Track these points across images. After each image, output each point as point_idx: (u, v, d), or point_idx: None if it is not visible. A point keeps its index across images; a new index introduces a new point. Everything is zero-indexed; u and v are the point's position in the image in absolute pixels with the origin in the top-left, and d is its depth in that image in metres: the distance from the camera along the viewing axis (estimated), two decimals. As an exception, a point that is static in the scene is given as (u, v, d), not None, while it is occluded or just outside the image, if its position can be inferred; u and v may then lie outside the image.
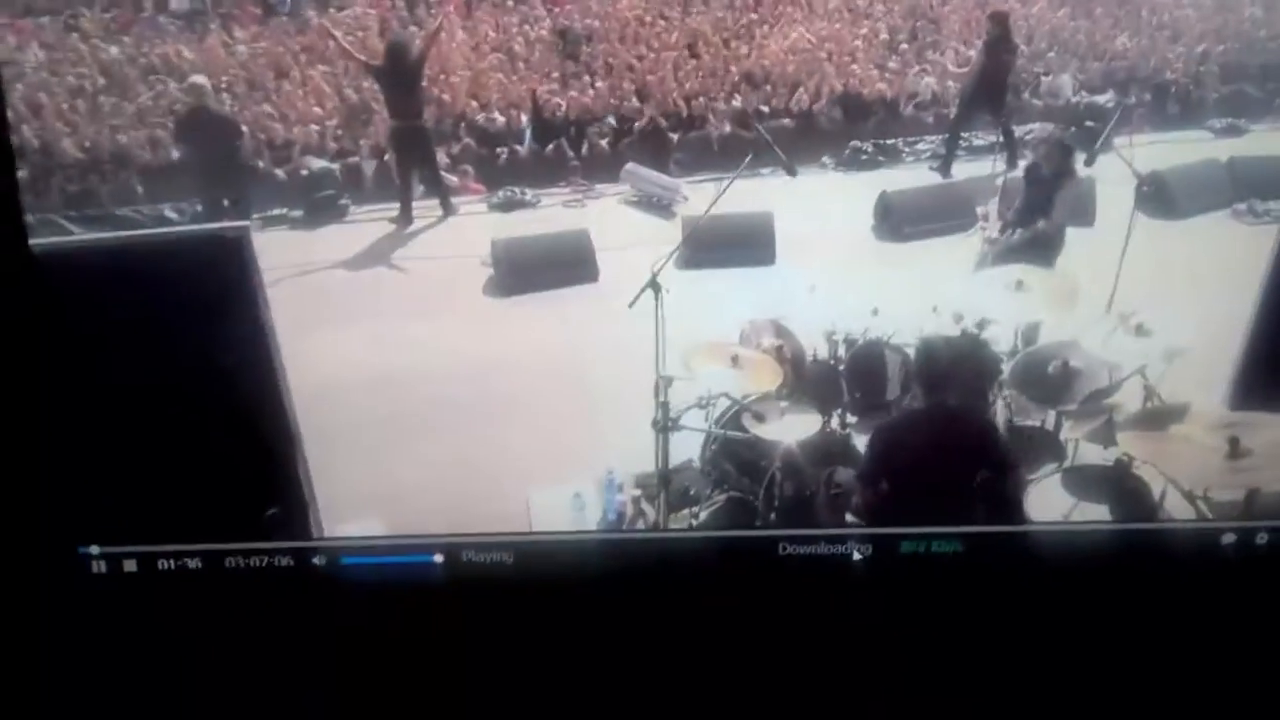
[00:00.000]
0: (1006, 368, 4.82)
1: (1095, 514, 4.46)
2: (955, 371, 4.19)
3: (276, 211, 7.48)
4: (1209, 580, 3.76)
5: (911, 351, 4.88)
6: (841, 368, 4.90)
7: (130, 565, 3.27)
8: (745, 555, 3.62)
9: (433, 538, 3.30)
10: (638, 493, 4.93)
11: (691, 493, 4.81)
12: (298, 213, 7.52)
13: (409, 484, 4.79)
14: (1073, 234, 6.26)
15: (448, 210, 7.28)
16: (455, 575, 3.28)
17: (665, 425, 4.63)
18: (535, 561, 3.35)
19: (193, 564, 3.25)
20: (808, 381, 4.82)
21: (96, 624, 3.29)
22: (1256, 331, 4.42)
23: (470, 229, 7.41)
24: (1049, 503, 4.51)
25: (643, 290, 4.58)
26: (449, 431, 5.32)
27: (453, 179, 8.10)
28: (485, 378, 5.76)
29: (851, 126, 8.89)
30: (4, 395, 3.15)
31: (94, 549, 3.27)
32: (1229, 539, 3.82)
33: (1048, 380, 4.70)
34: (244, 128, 7.62)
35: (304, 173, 7.60)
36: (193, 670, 3.27)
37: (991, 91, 7.67)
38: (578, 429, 5.33)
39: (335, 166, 7.83)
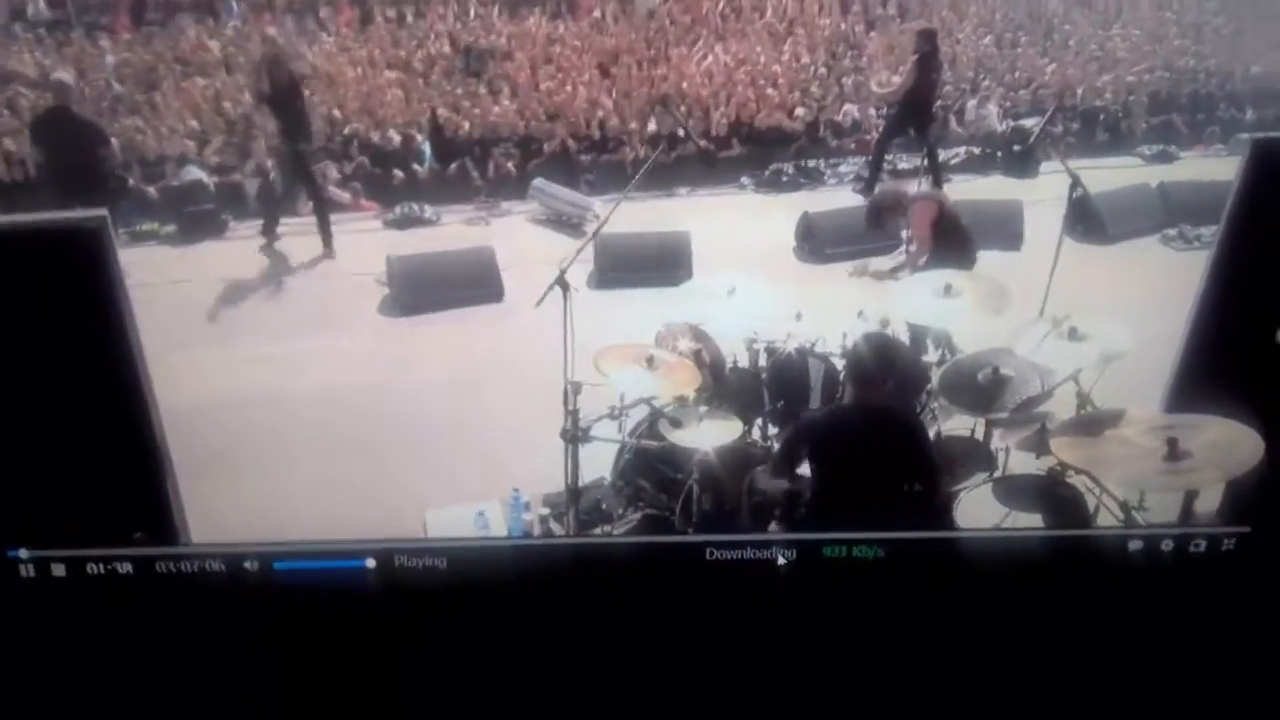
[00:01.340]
0: (935, 376, 4.86)
1: (1028, 524, 4.52)
2: (886, 371, 4.21)
3: (146, 226, 7.31)
4: (1129, 586, 3.89)
5: (836, 360, 4.93)
6: (763, 375, 4.91)
7: (59, 569, 3.30)
8: (674, 560, 3.63)
9: (366, 543, 3.36)
10: (546, 511, 4.85)
11: (604, 508, 4.75)
12: (170, 228, 7.35)
13: (291, 508, 4.65)
14: (1000, 257, 6.45)
15: (328, 246, 7.15)
16: (388, 580, 3.35)
17: (575, 435, 4.56)
18: (469, 567, 3.42)
19: (123, 568, 3.29)
20: (728, 388, 4.81)
21: (27, 629, 3.34)
22: (1193, 335, 4.57)
23: (366, 246, 7.32)
24: (980, 512, 4.55)
25: (550, 288, 4.54)
26: (336, 453, 5.18)
27: (344, 195, 8.03)
28: (378, 398, 5.66)
29: (770, 150, 9.11)
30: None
31: (22, 553, 3.28)
32: (1164, 545, 3.94)
33: (978, 388, 4.74)
34: (110, 136, 7.44)
35: (175, 184, 7.41)
36: (124, 676, 3.34)
37: (917, 110, 7.93)
38: (480, 448, 5.27)
39: (211, 180, 7.67)
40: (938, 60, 8.04)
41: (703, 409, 4.54)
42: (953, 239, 5.58)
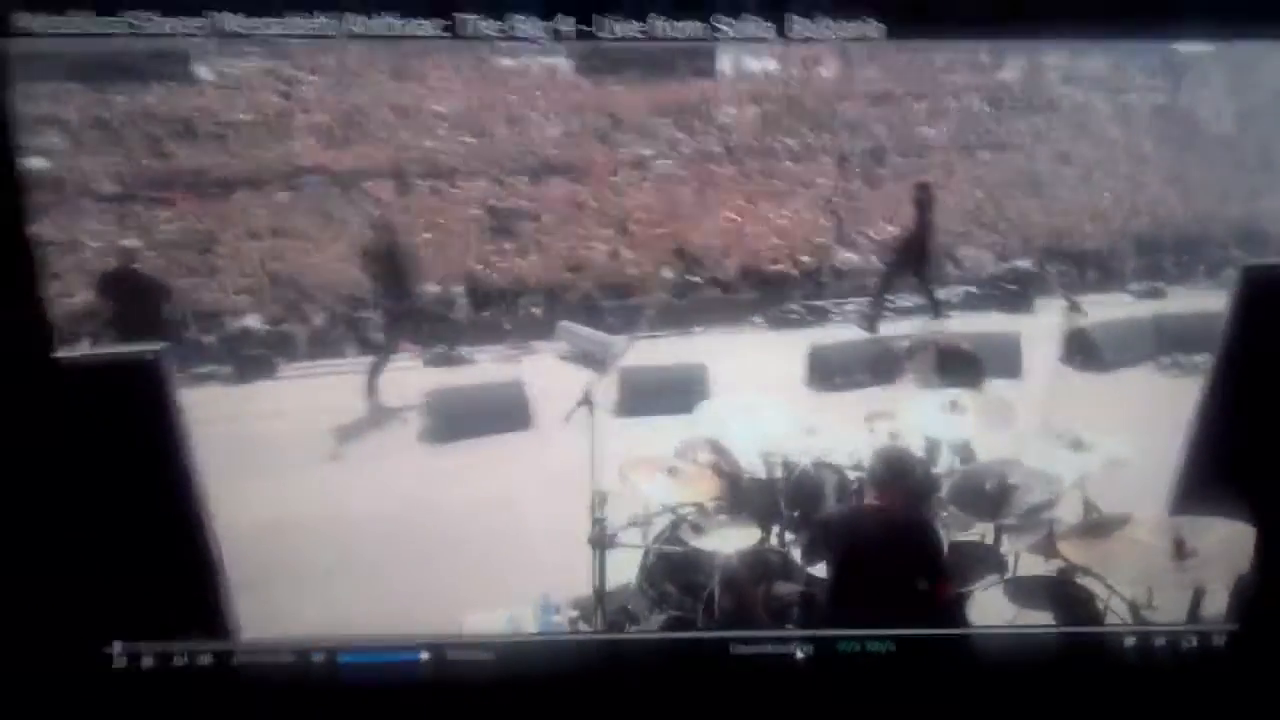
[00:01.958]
0: (945, 485, 4.97)
1: (1039, 622, 4.55)
2: (899, 480, 4.33)
3: (205, 369, 7.63)
4: (1136, 683, 3.99)
5: (848, 471, 5.06)
6: (779, 485, 5.03)
7: (149, 661, 3.62)
8: (701, 655, 3.97)
9: (420, 637, 3.74)
10: (575, 614, 4.91)
11: (630, 610, 4.81)
12: (226, 369, 7.64)
13: (338, 616, 4.73)
14: (1002, 384, 6.62)
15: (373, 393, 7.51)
16: (440, 671, 3.69)
17: (602, 541, 4.68)
18: (513, 660, 3.77)
19: (204, 660, 3.63)
20: (745, 497, 4.93)
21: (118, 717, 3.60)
22: (1194, 443, 4.75)
23: (406, 383, 7.57)
24: (992, 612, 4.60)
25: (577, 405, 4.75)
26: (378, 568, 5.34)
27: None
28: (418, 517, 5.84)
29: (779, 293, 9.44)
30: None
31: (116, 646, 3.60)
32: (1161, 642, 4.07)
33: (986, 497, 4.85)
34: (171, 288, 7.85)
35: (231, 330, 7.76)
36: None
37: (915, 252, 8.25)
38: (512, 559, 5.37)
39: (263, 327, 8.01)
40: (932, 209, 8.39)
41: (722, 517, 4.66)
42: (956, 365, 5.77)
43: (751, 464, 5.08)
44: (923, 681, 3.89)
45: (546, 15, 3.44)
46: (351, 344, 8.21)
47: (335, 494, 6.00)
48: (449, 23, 3.37)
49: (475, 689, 3.72)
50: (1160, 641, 4.13)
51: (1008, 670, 4.01)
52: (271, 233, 9.27)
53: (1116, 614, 4.48)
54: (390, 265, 7.84)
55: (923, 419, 5.03)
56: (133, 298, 6.94)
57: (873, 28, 3.48)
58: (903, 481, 4.27)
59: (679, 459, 4.81)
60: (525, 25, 3.42)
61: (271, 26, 3.42)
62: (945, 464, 5.18)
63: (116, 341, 6.97)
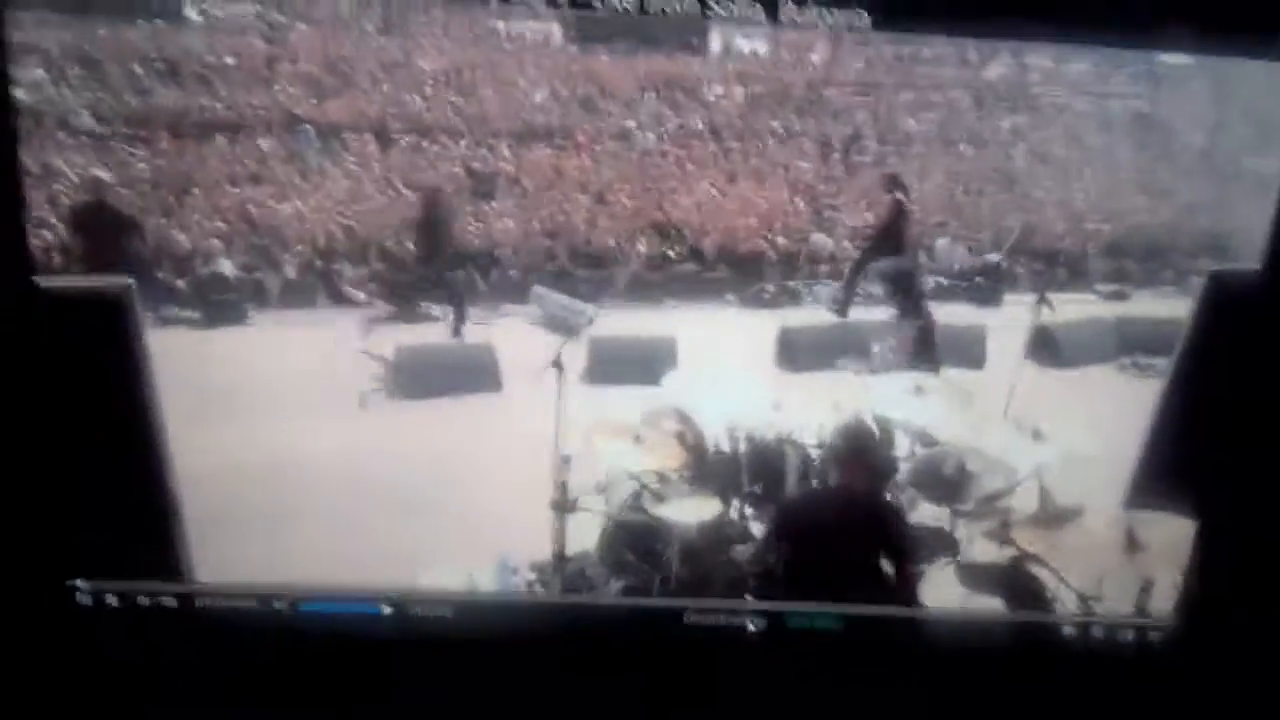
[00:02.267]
0: (905, 469, 4.99)
1: (988, 607, 4.58)
2: (859, 456, 4.34)
3: (174, 311, 7.49)
4: (1076, 670, 4.06)
5: (811, 449, 5.05)
6: (742, 460, 5.02)
7: (113, 600, 3.64)
8: (656, 621, 4.01)
9: (383, 590, 3.78)
10: (533, 576, 4.88)
11: (588, 575, 4.78)
12: (195, 314, 7.53)
13: (295, 563, 4.67)
14: (964, 373, 6.65)
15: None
16: (400, 624, 3.75)
17: (564, 505, 4.64)
18: (472, 618, 3.83)
19: (168, 602, 3.66)
20: (709, 469, 4.92)
21: (80, 652, 3.61)
22: (1151, 437, 4.78)
23: (375, 338, 7.48)
24: (943, 595, 4.62)
25: (546, 367, 4.70)
26: (339, 518, 5.27)
27: (359, 294, 8.25)
28: (379, 471, 5.77)
29: (753, 272, 9.41)
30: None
31: (80, 583, 3.61)
32: (1099, 634, 4.17)
33: (944, 481, 4.89)
34: (141, 223, 7.68)
35: (203, 274, 7.61)
36: (162, 698, 3.62)
37: (889, 243, 8.24)
38: (474, 518, 5.34)
39: (235, 274, 7.88)
40: (905, 199, 8.37)
41: (685, 487, 4.64)
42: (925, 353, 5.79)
43: (717, 437, 5.05)
44: (869, 659, 3.95)
45: None
46: (323, 295, 8.04)
47: (298, 444, 5.90)
48: None
49: (434, 643, 3.76)
50: (1099, 632, 4.18)
51: (952, 652, 4.06)
52: (250, 179, 9.09)
53: (1064, 604, 4.51)
54: (434, 234, 7.80)
55: (886, 402, 5.02)
56: (103, 232, 6.78)
57: (860, 17, 3.51)
58: (863, 457, 4.27)
59: (645, 426, 4.78)
60: None
61: None
62: (905, 448, 5.18)
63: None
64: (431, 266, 7.82)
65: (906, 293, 5.88)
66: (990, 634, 4.21)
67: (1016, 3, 3.59)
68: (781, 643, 3.91)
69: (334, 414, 6.45)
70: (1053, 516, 4.62)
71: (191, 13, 10.70)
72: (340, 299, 8.22)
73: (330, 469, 5.78)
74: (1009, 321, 7.95)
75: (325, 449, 5.95)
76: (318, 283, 8.27)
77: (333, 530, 5.16)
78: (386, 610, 3.78)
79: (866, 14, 3.54)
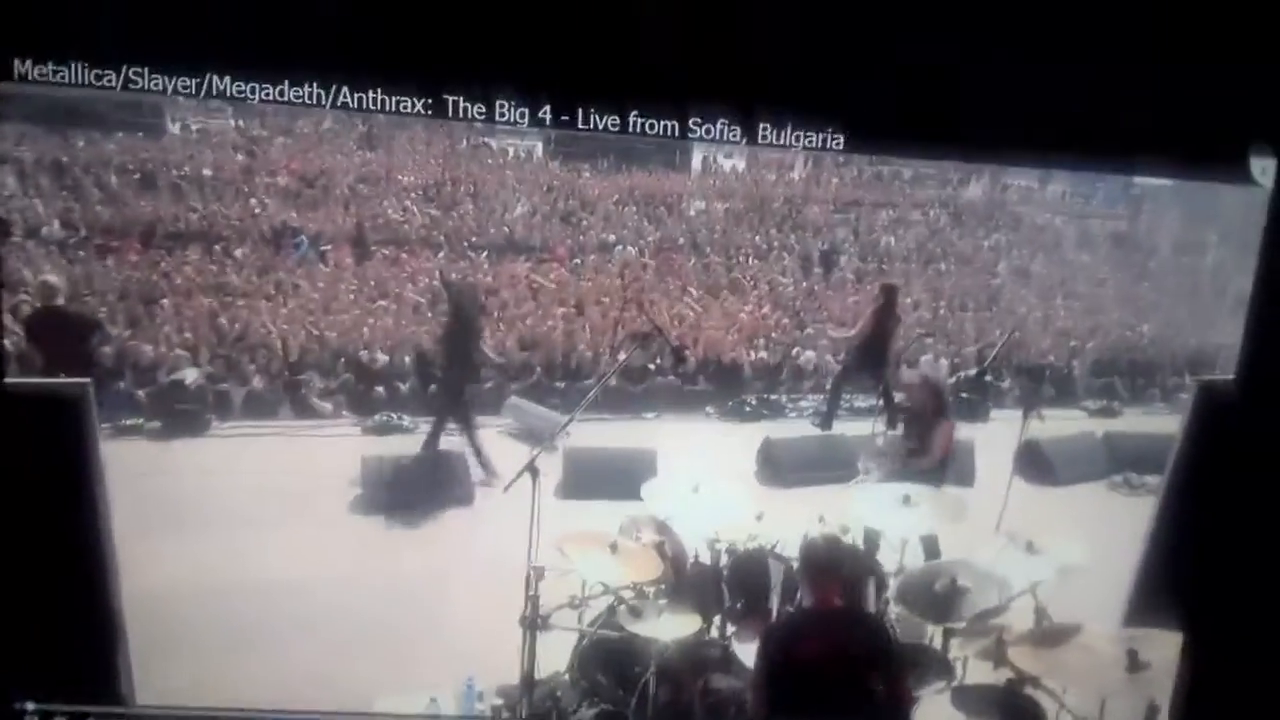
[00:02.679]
0: (893, 584, 4.82)
1: (987, 732, 4.37)
2: (834, 570, 4.15)
3: (131, 420, 7.35)
4: None
5: (795, 562, 4.87)
6: (724, 573, 4.83)
7: None
8: None
9: (345, 715, 3.88)
10: (499, 702, 4.63)
11: (559, 701, 4.54)
12: (155, 424, 7.37)
13: (243, 690, 4.47)
14: (955, 490, 6.53)
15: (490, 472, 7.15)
16: None
17: (534, 621, 4.43)
18: None
19: None
20: (688, 583, 4.72)
21: None
22: (1150, 554, 4.68)
23: (342, 450, 7.34)
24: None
25: (520, 473, 4.56)
26: (293, 641, 5.10)
27: (326, 406, 8.14)
28: (343, 591, 5.59)
29: (735, 386, 9.35)
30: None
31: (29, 705, 3.56)
32: None
33: (935, 597, 4.70)
34: (102, 323, 7.60)
35: (170, 379, 7.51)
36: None
37: (875, 353, 8.22)
38: (439, 639, 5.17)
39: (202, 382, 7.77)
40: (895, 312, 8.40)
41: (663, 602, 4.46)
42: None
43: (697, 548, 4.88)
44: None
45: (530, 103, 3.52)
46: (287, 406, 7.93)
47: (254, 561, 5.76)
48: (433, 100, 3.44)
49: None
50: None
51: None
52: (218, 289, 9.05)
53: (1067, 732, 4.31)
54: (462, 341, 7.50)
55: (874, 512, 4.88)
56: (62, 338, 6.67)
57: (834, 139, 3.64)
58: (834, 573, 4.06)
59: (622, 535, 4.61)
60: (508, 109, 3.48)
61: (265, 91, 3.46)
62: (894, 562, 5.03)
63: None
64: (455, 372, 7.44)
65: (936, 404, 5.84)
66: None
67: (989, 127, 3.68)
68: None
69: (296, 529, 6.25)
70: (1049, 634, 4.44)
71: (174, 127, 10.93)
72: (305, 411, 8.04)
73: (290, 587, 5.59)
74: (997, 437, 7.86)
75: (286, 566, 5.78)
76: (282, 394, 8.12)
77: (283, 654, 4.99)
78: None
79: (842, 136, 3.61)
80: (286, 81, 3.51)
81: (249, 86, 3.48)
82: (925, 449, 5.77)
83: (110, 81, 3.50)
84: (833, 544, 4.16)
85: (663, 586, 4.56)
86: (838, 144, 3.70)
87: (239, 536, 5.98)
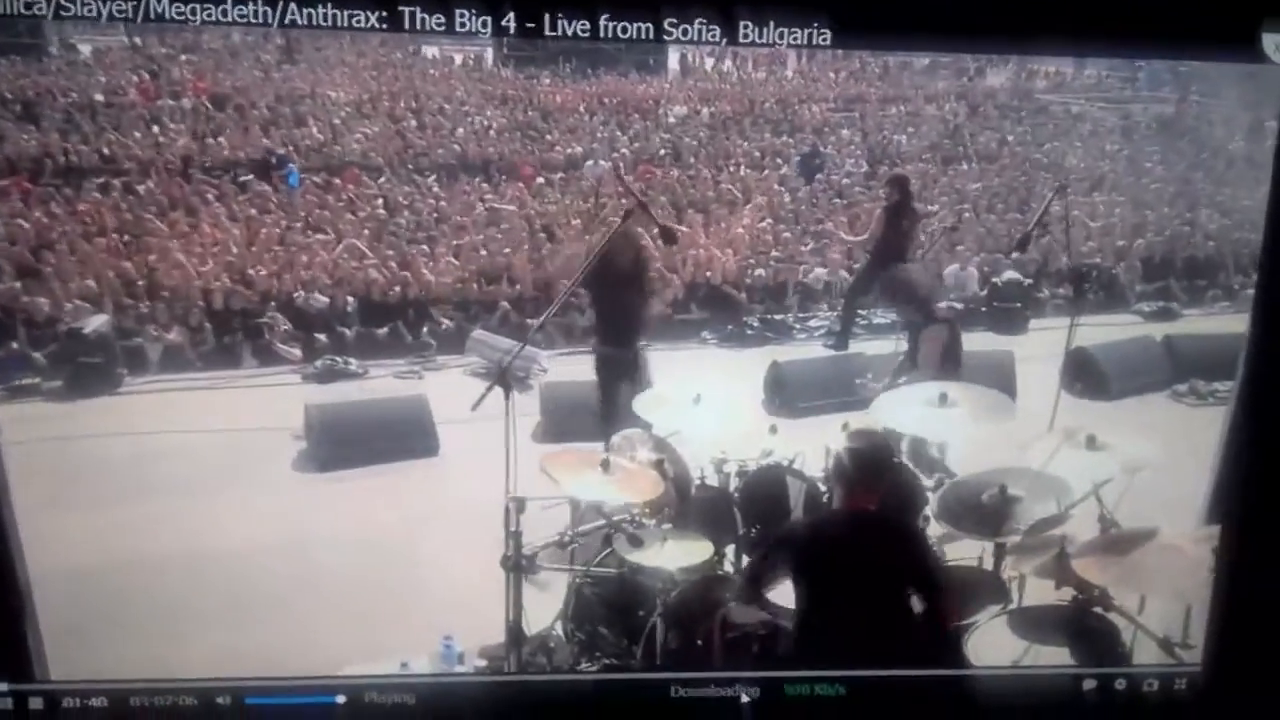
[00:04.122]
0: (933, 499, 4.72)
1: (1054, 658, 4.31)
2: (880, 473, 4.06)
3: (27, 380, 7.20)
4: None
5: (819, 480, 4.79)
6: (735, 496, 4.74)
7: (37, 703, 3.67)
8: (640, 698, 3.94)
9: (337, 679, 3.83)
10: (483, 664, 4.54)
11: (555, 655, 4.47)
12: (54, 382, 7.24)
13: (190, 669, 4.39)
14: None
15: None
16: (357, 716, 3.75)
17: (518, 562, 4.32)
18: (438, 702, 3.83)
19: (97, 703, 3.67)
20: (694, 507, 4.63)
21: None
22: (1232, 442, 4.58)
23: (281, 399, 7.24)
24: (996, 648, 4.33)
25: (490, 388, 4.44)
26: (238, 616, 5.01)
27: (295, 353, 8.02)
28: (289, 558, 5.51)
29: (730, 312, 9.27)
30: None
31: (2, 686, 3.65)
32: (1118, 684, 4.05)
33: (983, 511, 4.60)
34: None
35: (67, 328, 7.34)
36: None
37: (892, 258, 8.09)
38: (408, 603, 5.10)
39: (105, 330, 7.60)
40: (911, 208, 8.27)
41: (667, 527, 4.36)
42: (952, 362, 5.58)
43: (703, 469, 4.78)
44: None
45: (492, 11, 3.53)
46: (220, 355, 7.80)
47: (184, 530, 5.68)
48: (388, 14, 3.45)
49: None
50: (1120, 684, 4.07)
51: (963, 714, 4.00)
52: (120, 230, 8.87)
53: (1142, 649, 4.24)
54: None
55: (905, 417, 4.76)
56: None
57: (821, 34, 3.62)
58: (878, 477, 3.97)
59: (615, 454, 4.50)
60: (468, 19, 3.51)
61: (208, 11, 3.41)
62: (933, 478, 4.93)
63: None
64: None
65: (918, 304, 5.66)
66: (1009, 692, 4.06)
67: (986, 14, 3.63)
68: (779, 714, 3.87)
69: (231, 493, 6.18)
70: (1119, 542, 4.34)
71: (56, 48, 10.67)
72: (269, 358, 8.03)
73: (229, 556, 5.52)
74: (1039, 350, 7.80)
75: (222, 534, 5.70)
76: (207, 341, 7.99)
77: (230, 628, 4.91)
78: (340, 700, 3.77)
79: (829, 30, 3.61)
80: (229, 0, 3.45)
81: (189, 8, 3.39)
82: (912, 358, 5.67)
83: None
84: (878, 442, 4.07)
85: (665, 511, 4.45)
86: (824, 39, 3.61)
87: (164, 504, 5.90)
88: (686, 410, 4.75)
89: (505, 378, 4.40)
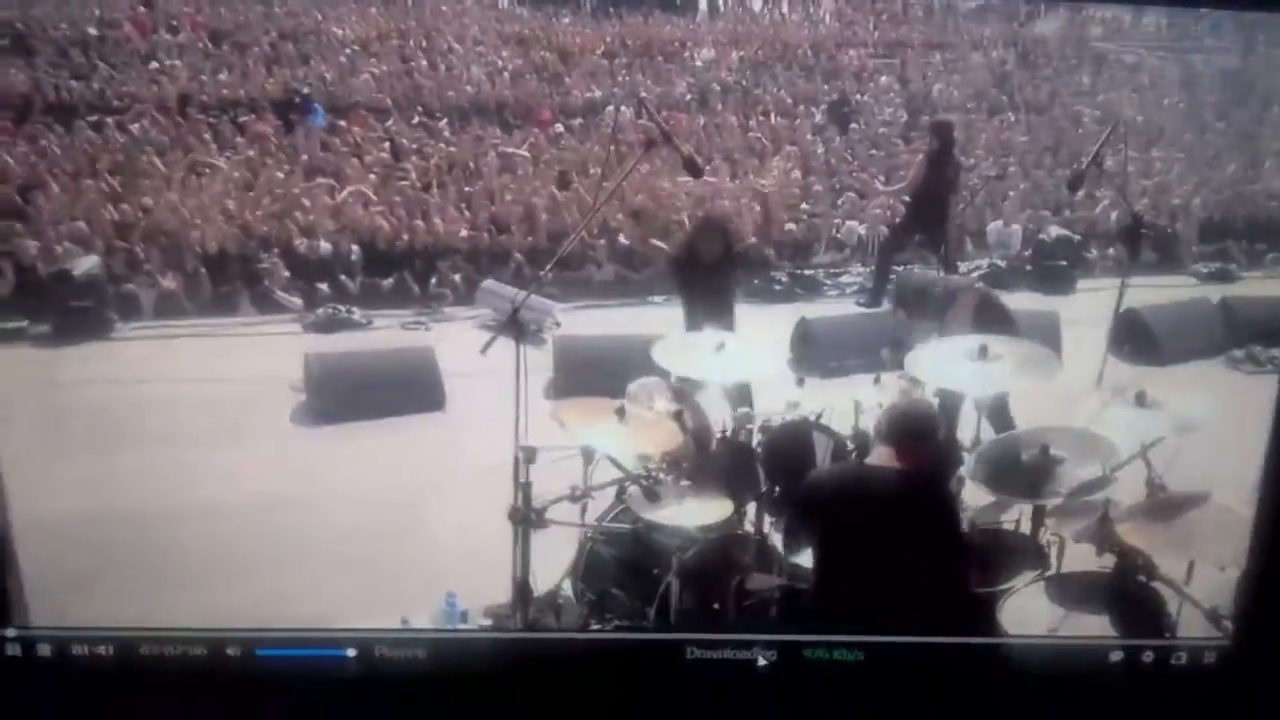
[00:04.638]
0: (969, 460, 4.69)
1: (1093, 626, 4.29)
2: (919, 439, 4.03)
3: (11, 324, 7.23)
4: (1109, 698, 3.99)
5: (846, 437, 4.77)
6: (759, 451, 4.73)
7: (44, 649, 3.74)
8: (653, 657, 3.96)
9: (347, 632, 3.87)
10: (487, 623, 4.56)
11: (564, 615, 4.49)
12: (42, 327, 7.29)
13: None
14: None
15: None
16: (368, 669, 3.81)
17: (526, 516, 4.32)
18: (448, 657, 3.87)
19: (106, 650, 3.74)
20: (715, 461, 4.61)
21: (12, 710, 3.73)
22: None
23: (281, 349, 7.28)
24: (1032, 615, 4.32)
25: (499, 332, 4.44)
26: (225, 572, 5.03)
27: (295, 301, 8.04)
28: (284, 514, 5.56)
29: (756, 264, 9.22)
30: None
31: (9, 631, 3.74)
32: (1145, 657, 4.00)
33: (1022, 471, 4.56)
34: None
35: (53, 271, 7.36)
36: None
37: (932, 210, 8.04)
38: (408, 560, 5.16)
39: (96, 272, 7.62)
40: (953, 157, 8.20)
41: (685, 483, 4.35)
42: (993, 317, 5.51)
43: (724, 422, 4.77)
44: (893, 694, 3.91)
45: None
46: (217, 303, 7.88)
47: (176, 483, 5.73)
48: None
49: (405, 687, 3.85)
50: (1148, 656, 4.00)
51: (980, 682, 3.96)
52: (113, 171, 8.88)
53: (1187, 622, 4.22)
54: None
55: (942, 369, 4.71)
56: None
57: None
58: (924, 442, 3.96)
59: (631, 402, 4.48)
60: None
61: None
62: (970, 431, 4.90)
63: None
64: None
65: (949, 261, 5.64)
66: (1032, 661, 4.06)
67: None
68: (796, 678, 3.88)
69: (226, 445, 6.20)
70: (1167, 506, 4.31)
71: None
72: (267, 305, 8.06)
73: (222, 510, 5.61)
74: (1085, 310, 7.72)
75: (217, 487, 5.77)
76: (203, 289, 8.01)
77: (222, 584, 4.95)
78: (351, 653, 3.82)
79: None
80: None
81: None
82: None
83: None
84: (926, 408, 4.06)
85: (684, 465, 4.44)
86: None
87: (153, 454, 5.94)
88: (707, 358, 4.71)
89: (516, 320, 4.39)
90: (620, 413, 4.29)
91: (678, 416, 4.51)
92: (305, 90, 10.23)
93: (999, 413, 5.15)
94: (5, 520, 4.12)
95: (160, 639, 3.76)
